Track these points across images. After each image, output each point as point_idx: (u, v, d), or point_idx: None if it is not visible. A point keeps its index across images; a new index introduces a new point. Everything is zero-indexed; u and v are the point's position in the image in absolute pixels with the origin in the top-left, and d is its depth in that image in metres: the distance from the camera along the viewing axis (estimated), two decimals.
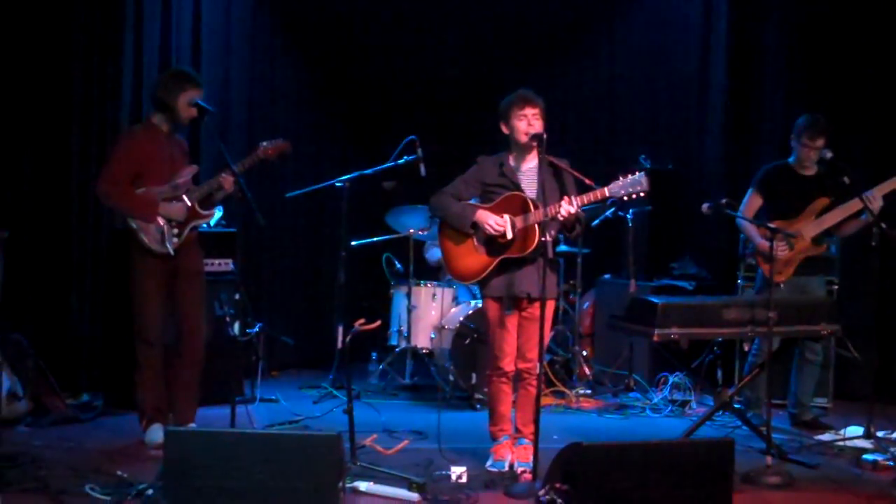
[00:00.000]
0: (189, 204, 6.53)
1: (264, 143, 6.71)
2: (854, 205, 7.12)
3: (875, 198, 7.03)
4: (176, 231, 6.51)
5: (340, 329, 7.14)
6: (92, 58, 8.04)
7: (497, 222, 6.09)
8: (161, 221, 6.47)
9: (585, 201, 5.97)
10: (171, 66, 8.40)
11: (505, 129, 6.25)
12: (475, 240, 6.24)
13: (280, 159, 6.81)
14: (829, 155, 7.03)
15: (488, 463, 6.27)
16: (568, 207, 5.92)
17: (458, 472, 5.91)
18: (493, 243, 6.17)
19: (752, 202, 7.53)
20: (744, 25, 9.38)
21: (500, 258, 6.16)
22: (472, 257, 6.26)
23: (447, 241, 6.38)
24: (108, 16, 8.08)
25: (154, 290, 6.55)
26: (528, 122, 6.14)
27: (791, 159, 7.51)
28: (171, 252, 6.49)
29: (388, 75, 10.39)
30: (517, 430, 6.39)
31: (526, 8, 10.31)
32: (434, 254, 9.25)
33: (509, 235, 6.10)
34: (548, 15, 10.39)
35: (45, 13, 7.87)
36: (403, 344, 8.71)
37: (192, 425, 6.65)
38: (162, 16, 8.39)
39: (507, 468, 6.18)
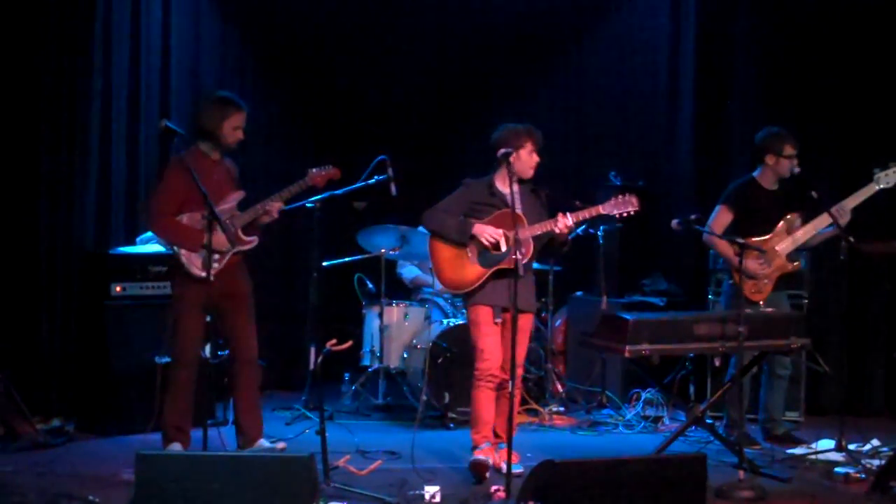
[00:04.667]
0: (231, 230, 6.60)
1: (314, 170, 6.84)
2: (824, 219, 7.18)
3: (844, 212, 7.08)
4: (217, 257, 6.60)
5: (312, 350, 7.13)
6: (61, 80, 7.98)
7: (494, 233, 6.43)
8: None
9: (581, 218, 6.40)
10: (141, 87, 8.41)
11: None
12: (469, 252, 6.53)
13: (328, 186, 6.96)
14: (796, 169, 7.09)
15: (471, 458, 6.45)
16: (565, 221, 6.34)
17: (431, 491, 5.89)
18: (488, 255, 6.47)
19: (721, 218, 7.48)
20: (712, 42, 9.45)
21: (493, 269, 6.46)
22: (466, 269, 6.57)
23: (441, 253, 6.66)
24: (76, 35, 8.01)
25: (193, 314, 6.67)
26: (534, 159, 6.57)
27: (756, 174, 7.54)
28: (210, 278, 6.52)
29: (358, 95, 10.40)
30: (497, 436, 6.63)
31: (495, 28, 10.35)
32: (410, 271, 9.27)
33: (503, 248, 6.40)
34: (518, 33, 10.41)
35: (12, 34, 7.83)
36: (376, 364, 8.67)
37: (262, 441, 6.89)
38: (131, 36, 8.34)
39: (490, 460, 6.43)
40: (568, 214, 6.36)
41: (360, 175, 7.68)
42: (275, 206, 6.75)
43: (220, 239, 6.55)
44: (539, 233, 6.41)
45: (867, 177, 7.18)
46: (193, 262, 6.61)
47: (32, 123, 7.93)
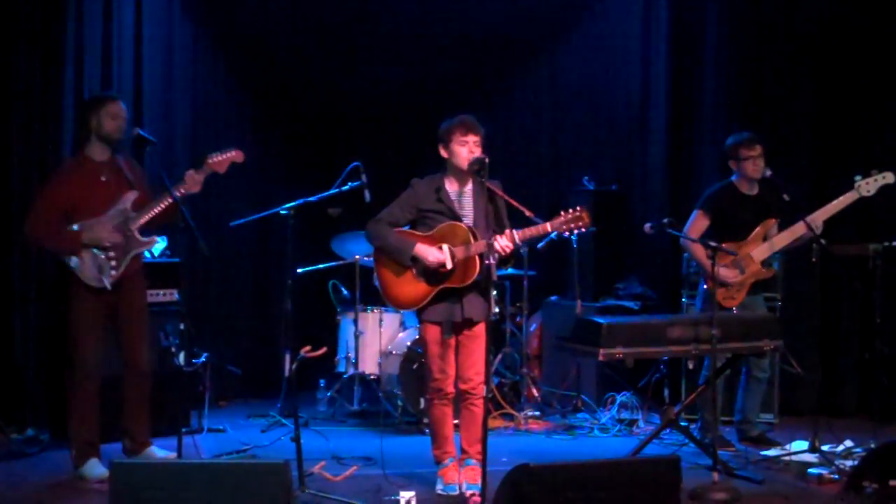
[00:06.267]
0: (127, 231, 6.46)
1: (212, 156, 6.64)
2: (800, 227, 7.17)
3: (816, 224, 7.09)
4: (114, 263, 6.45)
5: (287, 357, 7.11)
6: (32, 90, 7.94)
7: (438, 258, 6.13)
8: (90, 253, 6.41)
9: (528, 236, 6.06)
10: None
11: (444, 153, 6.27)
12: (414, 270, 6.25)
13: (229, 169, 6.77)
14: (768, 172, 7.12)
15: (439, 487, 6.27)
16: (505, 244, 5.99)
17: (406, 497, 5.88)
18: (433, 273, 6.20)
19: (698, 223, 7.48)
20: (683, 46, 9.50)
21: (440, 287, 6.20)
22: (411, 286, 6.27)
23: (384, 269, 6.37)
24: (48, 45, 7.98)
25: (91, 325, 6.52)
26: (469, 149, 6.16)
27: (734, 178, 7.54)
28: (108, 286, 6.44)
29: (331, 101, 10.39)
30: (462, 451, 6.41)
31: (469, 33, 10.34)
32: None
33: (449, 266, 6.14)
34: (492, 39, 10.41)
35: None
36: (351, 370, 8.68)
37: (151, 448, 6.74)
38: (102, 45, 8.31)
39: (457, 491, 6.19)
40: (515, 234, 6.01)
41: (334, 181, 7.68)
42: (192, 178, 6.51)
43: (101, 233, 6.41)
44: (483, 252, 5.92)
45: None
46: (85, 270, 6.43)
47: (4, 135, 7.89)
